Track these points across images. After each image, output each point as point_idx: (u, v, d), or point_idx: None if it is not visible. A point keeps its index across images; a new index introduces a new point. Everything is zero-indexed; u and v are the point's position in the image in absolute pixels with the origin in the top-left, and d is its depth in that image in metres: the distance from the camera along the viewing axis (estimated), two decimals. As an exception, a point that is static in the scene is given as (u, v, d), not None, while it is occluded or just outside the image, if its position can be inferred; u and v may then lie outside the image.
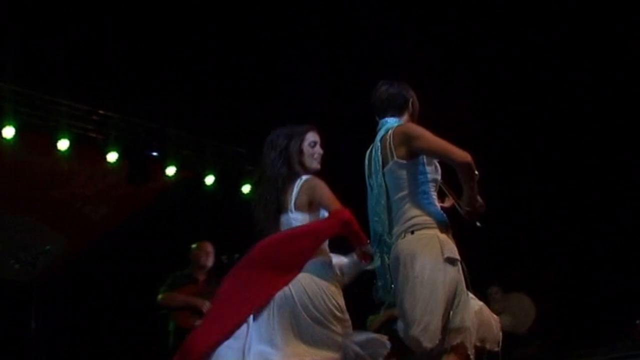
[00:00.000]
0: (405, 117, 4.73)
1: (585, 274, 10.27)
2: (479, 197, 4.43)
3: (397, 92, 4.77)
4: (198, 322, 7.40)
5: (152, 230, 9.53)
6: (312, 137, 4.83)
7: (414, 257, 4.33)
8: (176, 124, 9.87)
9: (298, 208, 4.64)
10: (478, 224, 4.46)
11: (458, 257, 4.41)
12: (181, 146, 9.99)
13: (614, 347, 9.40)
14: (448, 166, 4.49)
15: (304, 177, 4.70)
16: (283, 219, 4.69)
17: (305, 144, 4.81)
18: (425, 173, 4.49)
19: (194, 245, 7.90)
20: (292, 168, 4.74)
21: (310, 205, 4.64)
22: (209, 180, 10.15)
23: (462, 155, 4.33)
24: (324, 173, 4.76)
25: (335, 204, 4.51)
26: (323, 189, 4.61)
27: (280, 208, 4.71)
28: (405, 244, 4.40)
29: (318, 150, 4.81)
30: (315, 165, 4.79)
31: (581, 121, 9.78)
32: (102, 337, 9.68)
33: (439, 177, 4.60)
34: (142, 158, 9.70)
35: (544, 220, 10.19)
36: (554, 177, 10.16)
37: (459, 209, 4.55)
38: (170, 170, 9.85)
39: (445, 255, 4.33)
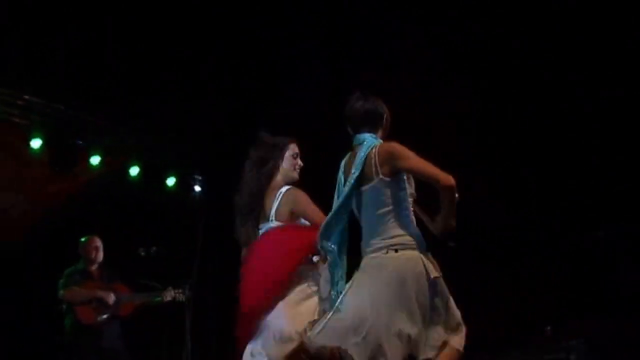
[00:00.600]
0: (380, 132, 4.80)
1: (496, 278, 10.47)
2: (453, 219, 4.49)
3: (374, 108, 4.82)
4: (100, 318, 7.45)
5: (73, 221, 9.41)
6: (294, 148, 5.00)
7: (405, 276, 4.40)
8: (102, 112, 9.76)
9: (278, 218, 4.79)
10: (451, 243, 4.52)
11: (440, 274, 4.53)
12: (106, 135, 9.88)
13: (525, 351, 9.64)
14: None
15: (285, 188, 4.84)
16: (262, 227, 4.90)
17: (288, 155, 4.96)
18: (405, 189, 4.58)
19: (83, 239, 7.87)
20: (273, 178, 4.87)
21: (292, 215, 4.85)
22: (134, 171, 10.06)
23: (446, 178, 4.39)
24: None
25: (319, 217, 4.68)
26: (305, 200, 4.87)
27: (259, 217, 4.88)
28: (390, 260, 4.45)
29: (299, 162, 4.99)
30: (296, 176, 4.93)
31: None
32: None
33: (414, 192, 4.69)
34: (67, 146, 9.57)
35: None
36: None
37: (430, 227, 4.60)
38: (95, 160, 9.73)
39: (432, 276, 4.43)
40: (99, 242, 7.94)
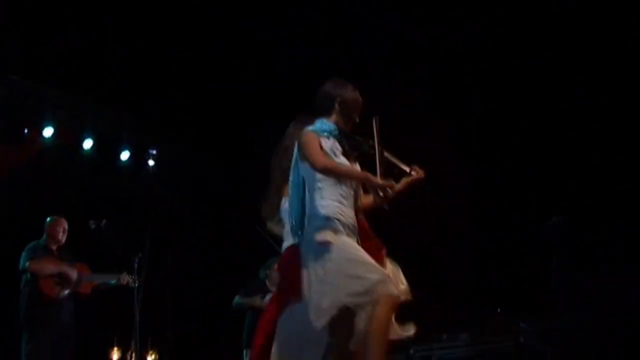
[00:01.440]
0: (334, 117, 4.77)
1: (449, 261, 10.59)
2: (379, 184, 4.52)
3: (325, 93, 4.82)
4: (62, 293, 7.49)
5: (25, 193, 9.30)
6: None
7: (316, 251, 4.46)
8: (55, 83, 9.63)
9: None
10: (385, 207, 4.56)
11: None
12: (59, 107, 9.74)
13: (474, 333, 9.74)
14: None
15: None
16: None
17: None
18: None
19: (49, 219, 7.89)
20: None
21: None
22: (87, 144, 9.94)
23: (315, 163, 4.54)
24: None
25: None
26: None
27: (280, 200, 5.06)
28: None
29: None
30: None
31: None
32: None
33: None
34: (18, 117, 9.45)
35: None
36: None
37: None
38: (47, 132, 9.60)
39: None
40: (65, 224, 8.00)
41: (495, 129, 10.27)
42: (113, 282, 7.91)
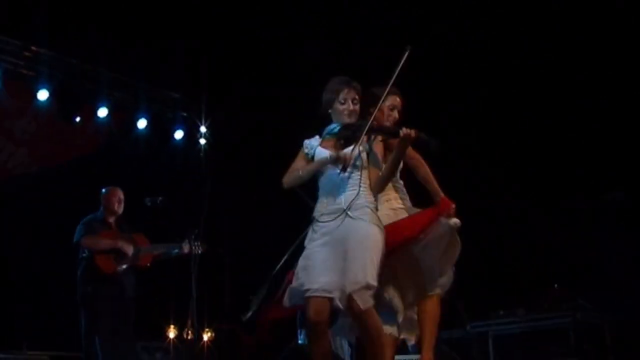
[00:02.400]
0: (336, 117, 5.02)
1: (505, 238, 10.50)
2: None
3: (321, 105, 5.12)
4: (119, 268, 7.44)
5: (81, 173, 9.40)
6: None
7: None
8: (110, 65, 9.71)
9: None
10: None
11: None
12: (114, 88, 9.83)
13: (531, 309, 9.66)
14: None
15: None
16: None
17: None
18: None
19: (104, 190, 7.84)
20: None
21: None
22: (142, 124, 10.02)
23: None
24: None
25: None
26: None
27: None
28: None
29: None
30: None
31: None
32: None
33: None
34: (74, 98, 9.53)
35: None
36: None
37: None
38: (102, 112, 9.69)
39: None
40: (121, 194, 7.86)
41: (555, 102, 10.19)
42: (176, 250, 7.73)
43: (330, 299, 4.65)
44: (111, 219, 7.80)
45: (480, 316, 9.81)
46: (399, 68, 4.95)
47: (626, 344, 9.29)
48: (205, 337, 9.46)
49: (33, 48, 9.10)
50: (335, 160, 4.80)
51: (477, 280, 10.13)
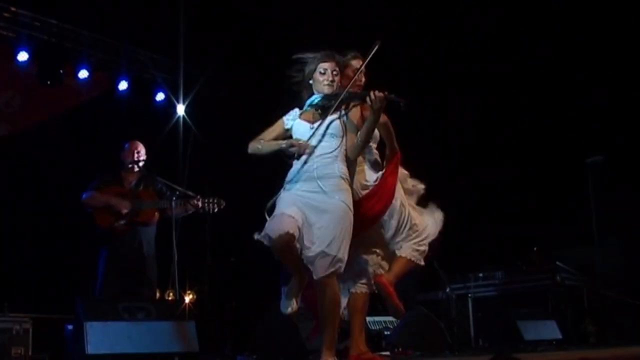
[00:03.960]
0: (316, 88, 5.18)
1: (485, 200, 10.58)
2: None
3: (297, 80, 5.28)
4: (117, 223, 7.43)
5: (61, 135, 9.36)
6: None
7: None
8: (91, 26, 9.63)
9: None
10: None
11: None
12: (95, 49, 9.75)
13: (510, 272, 9.75)
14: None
15: None
16: None
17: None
18: None
19: (126, 145, 7.79)
20: None
21: None
22: (122, 85, 9.97)
23: None
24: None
25: None
26: None
27: None
28: None
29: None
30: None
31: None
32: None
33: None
34: (54, 59, 9.45)
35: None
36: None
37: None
38: (83, 74, 9.62)
39: None
40: (139, 147, 7.76)
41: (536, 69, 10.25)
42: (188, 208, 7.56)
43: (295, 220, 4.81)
44: (128, 174, 7.72)
45: (460, 279, 9.91)
46: (367, 60, 5.17)
47: (603, 305, 9.42)
48: (187, 299, 9.48)
49: (12, 9, 9.00)
50: (290, 147, 4.93)
51: (457, 243, 10.21)
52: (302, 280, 4.95)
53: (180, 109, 9.98)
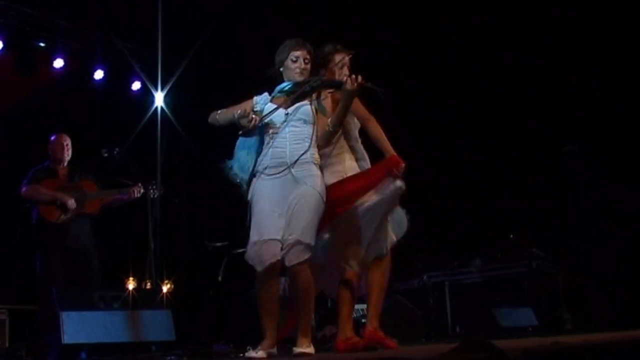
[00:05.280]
0: (287, 76, 5.18)
1: (462, 188, 10.61)
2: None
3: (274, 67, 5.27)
4: (63, 217, 7.37)
5: (36, 123, 9.29)
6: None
7: None
8: (66, 15, 9.57)
9: None
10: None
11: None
12: (70, 38, 9.70)
13: (487, 260, 9.80)
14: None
15: None
16: None
17: None
18: None
19: (52, 137, 7.74)
20: None
21: None
22: (98, 74, 9.93)
23: None
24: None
25: None
26: None
27: None
28: None
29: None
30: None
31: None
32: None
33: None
34: (29, 48, 9.40)
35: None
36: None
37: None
38: (58, 63, 9.57)
39: None
40: (67, 140, 7.71)
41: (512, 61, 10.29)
42: (126, 196, 7.60)
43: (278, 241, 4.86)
44: (60, 167, 7.65)
45: (436, 266, 9.95)
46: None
47: (579, 292, 9.49)
48: (165, 288, 9.48)
49: (-14, -3, 8.94)
50: (241, 117, 4.95)
51: (433, 231, 10.26)
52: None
53: (159, 98, 9.95)
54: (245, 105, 5.11)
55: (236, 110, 5.00)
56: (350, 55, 5.37)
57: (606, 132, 9.89)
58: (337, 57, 5.39)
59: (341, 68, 5.39)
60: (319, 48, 5.37)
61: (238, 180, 5.13)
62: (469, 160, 10.64)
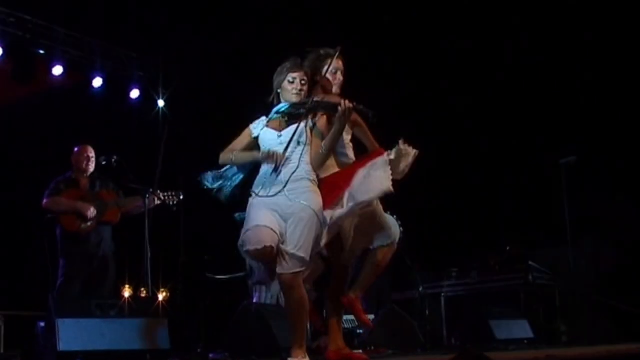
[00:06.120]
0: (284, 97, 5.21)
1: (459, 200, 10.62)
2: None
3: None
4: (84, 226, 7.43)
5: (33, 131, 9.30)
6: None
7: None
8: (66, 23, 9.59)
9: None
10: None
11: None
12: (70, 46, 9.73)
13: (484, 271, 9.81)
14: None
15: None
16: None
17: None
18: None
19: (75, 149, 7.80)
20: None
21: None
22: (97, 82, 9.95)
23: None
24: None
25: None
26: None
27: None
28: None
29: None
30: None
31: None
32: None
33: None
34: (28, 56, 9.42)
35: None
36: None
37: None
38: (57, 70, 9.59)
39: None
40: (91, 152, 7.79)
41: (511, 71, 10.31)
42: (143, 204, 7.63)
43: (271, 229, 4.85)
44: (82, 177, 7.74)
45: (433, 278, 9.95)
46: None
47: (575, 305, 9.49)
48: (161, 296, 9.47)
49: (-14, 5, 8.96)
50: (266, 158, 5.00)
51: (430, 242, 10.27)
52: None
53: (161, 105, 9.96)
54: (245, 137, 5.19)
55: (259, 155, 5.04)
56: (339, 53, 5.38)
57: (604, 144, 9.92)
58: (331, 62, 5.41)
59: (335, 73, 5.45)
60: (313, 54, 5.42)
61: (208, 186, 5.28)
62: (467, 172, 10.65)
